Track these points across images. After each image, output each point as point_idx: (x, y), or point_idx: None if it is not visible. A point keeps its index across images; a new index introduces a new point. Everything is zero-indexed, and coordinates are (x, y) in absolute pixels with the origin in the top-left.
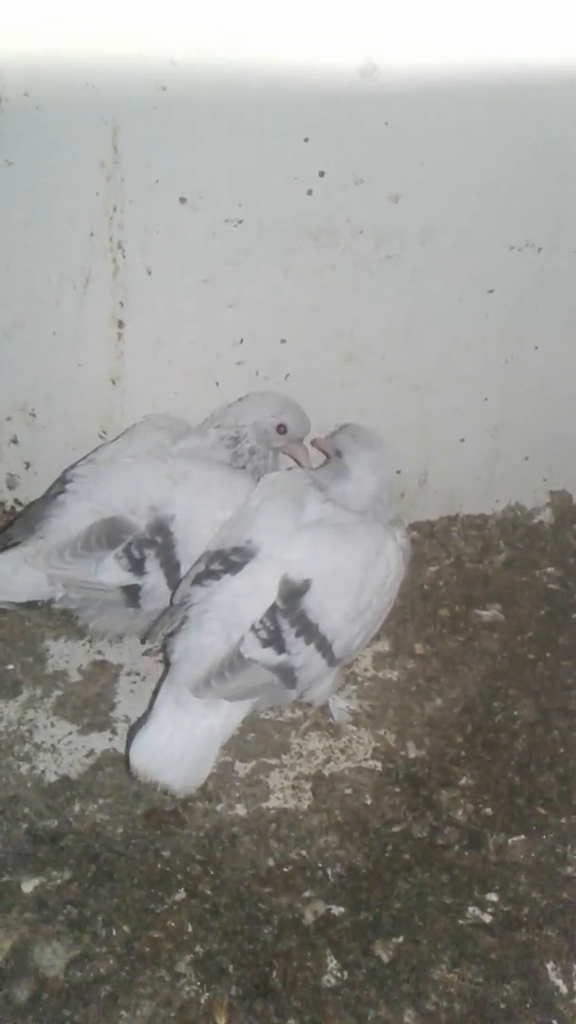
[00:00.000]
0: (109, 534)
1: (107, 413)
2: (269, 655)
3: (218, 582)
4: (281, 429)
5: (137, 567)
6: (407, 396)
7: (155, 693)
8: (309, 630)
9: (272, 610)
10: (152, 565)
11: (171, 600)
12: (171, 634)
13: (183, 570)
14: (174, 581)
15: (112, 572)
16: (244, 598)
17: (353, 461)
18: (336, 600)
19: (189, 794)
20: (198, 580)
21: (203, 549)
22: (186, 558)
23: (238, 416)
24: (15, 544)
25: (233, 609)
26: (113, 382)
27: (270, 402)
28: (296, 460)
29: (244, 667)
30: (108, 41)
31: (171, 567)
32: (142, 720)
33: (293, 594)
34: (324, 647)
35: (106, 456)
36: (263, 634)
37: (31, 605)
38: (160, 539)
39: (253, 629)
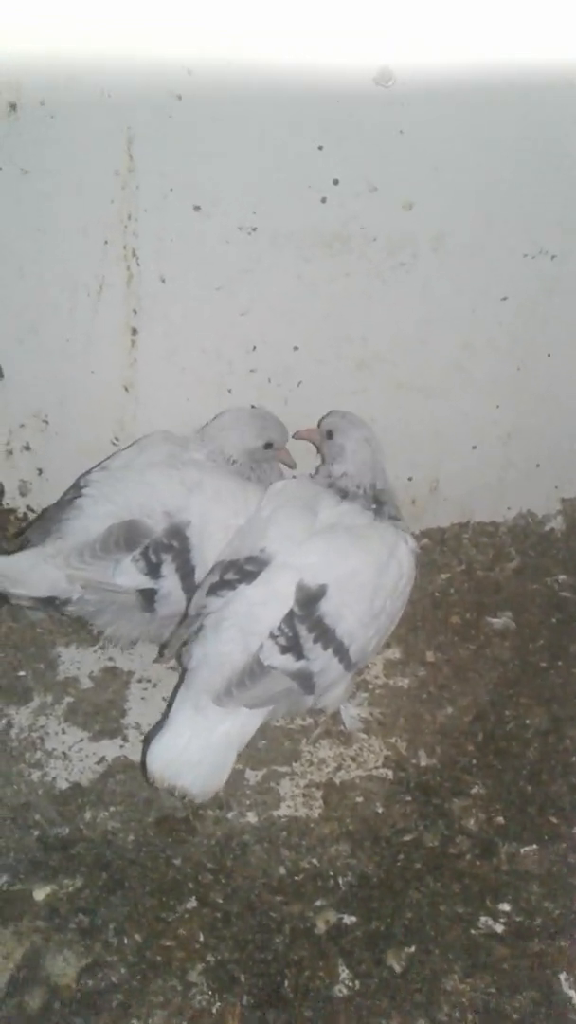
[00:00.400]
0: (127, 537)
1: (119, 420)
2: (288, 661)
3: (233, 592)
4: (267, 446)
5: (154, 571)
6: (419, 403)
7: (168, 701)
8: (326, 635)
9: (289, 616)
10: (168, 569)
11: (186, 609)
12: (186, 642)
13: (198, 575)
14: (189, 586)
15: (129, 575)
16: (260, 606)
17: (344, 438)
18: (352, 604)
19: (206, 799)
20: (213, 591)
21: (217, 555)
22: (201, 564)
23: (223, 444)
24: (33, 546)
25: (250, 617)
26: (126, 389)
27: (251, 425)
28: (284, 463)
29: (264, 674)
30: (124, 50)
31: (186, 572)
32: (158, 726)
33: (310, 600)
34: (341, 652)
35: (119, 463)
36: (282, 641)
37: (49, 602)
38: (176, 544)
39: (272, 636)
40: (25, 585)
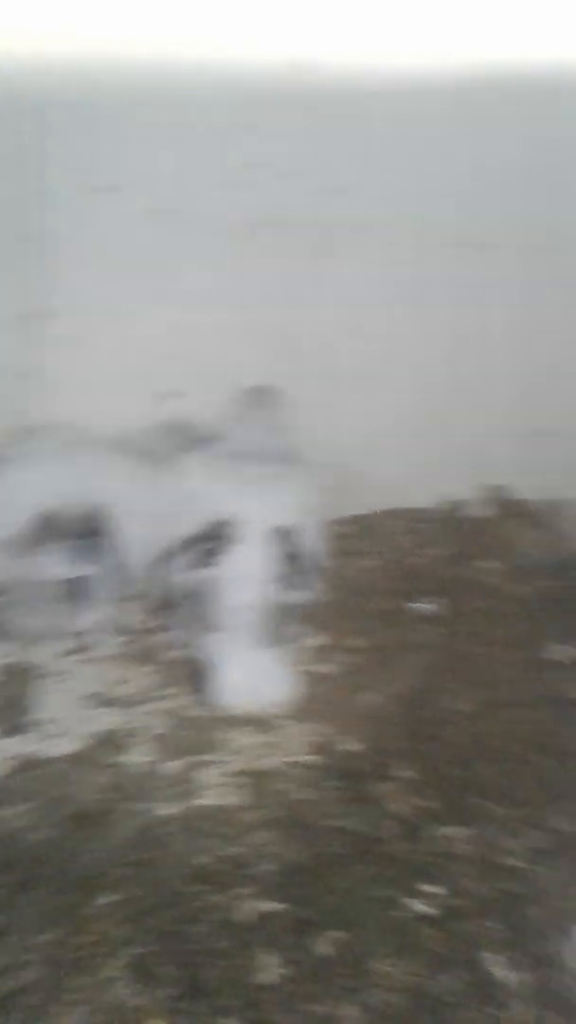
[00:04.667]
0: (50, 527)
1: (22, 409)
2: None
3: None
4: None
5: (82, 557)
6: (346, 390)
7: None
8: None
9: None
10: (94, 555)
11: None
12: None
13: (124, 558)
14: (113, 568)
15: (56, 565)
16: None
17: None
18: None
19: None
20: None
21: (143, 537)
22: (125, 547)
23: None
24: None
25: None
26: (29, 376)
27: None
28: None
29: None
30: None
31: (111, 555)
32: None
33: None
34: None
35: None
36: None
37: None
38: (99, 528)
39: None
40: None
